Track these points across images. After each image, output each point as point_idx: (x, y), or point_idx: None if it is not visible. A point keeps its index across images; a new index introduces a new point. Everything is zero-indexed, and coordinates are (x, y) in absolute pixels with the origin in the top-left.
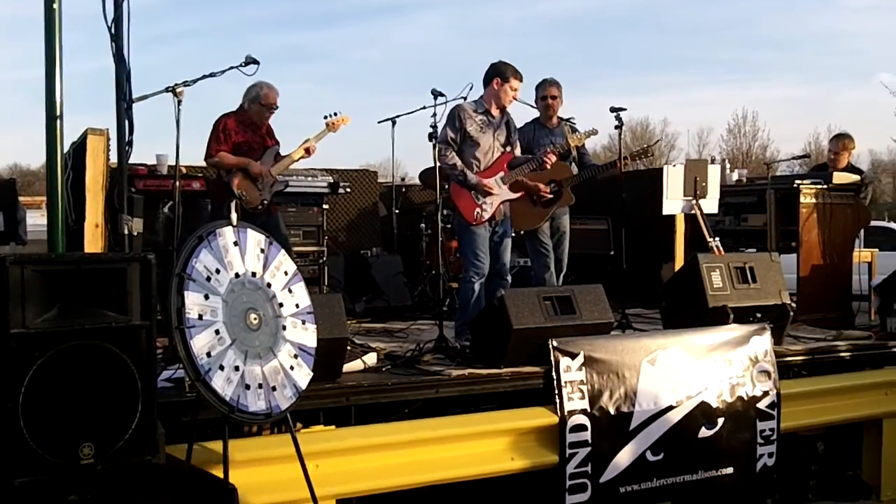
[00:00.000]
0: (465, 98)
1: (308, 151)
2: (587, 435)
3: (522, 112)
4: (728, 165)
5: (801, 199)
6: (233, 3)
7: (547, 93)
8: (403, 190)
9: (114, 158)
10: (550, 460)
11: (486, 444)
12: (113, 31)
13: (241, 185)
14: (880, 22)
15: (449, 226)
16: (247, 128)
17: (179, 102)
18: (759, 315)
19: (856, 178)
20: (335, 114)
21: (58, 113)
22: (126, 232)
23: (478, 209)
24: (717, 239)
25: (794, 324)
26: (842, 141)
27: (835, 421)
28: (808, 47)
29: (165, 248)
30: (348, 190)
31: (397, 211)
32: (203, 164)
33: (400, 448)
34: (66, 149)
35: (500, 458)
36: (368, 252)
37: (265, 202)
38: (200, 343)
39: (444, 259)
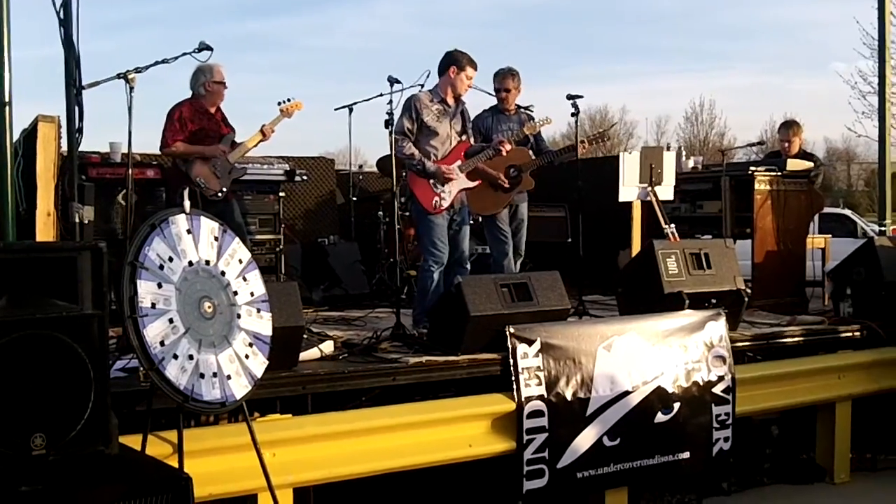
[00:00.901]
0: (422, 86)
1: (264, 134)
2: (544, 421)
3: (481, 99)
4: (684, 153)
5: (756, 186)
6: None
7: (501, 85)
8: (361, 178)
9: (65, 146)
10: (508, 446)
11: (443, 431)
12: (62, 16)
13: (201, 173)
14: (834, 11)
15: (407, 213)
16: (202, 115)
17: (131, 89)
18: (714, 301)
19: (809, 164)
20: (288, 99)
21: (7, 99)
22: (77, 220)
23: (436, 198)
24: (672, 225)
25: (748, 309)
26: (791, 128)
27: (789, 405)
28: (764, 36)
29: (120, 236)
30: (305, 178)
31: (355, 199)
32: (157, 152)
33: (357, 436)
34: (16, 136)
35: (457, 445)
36: (326, 240)
37: (224, 189)
38: (154, 332)
39: (401, 247)
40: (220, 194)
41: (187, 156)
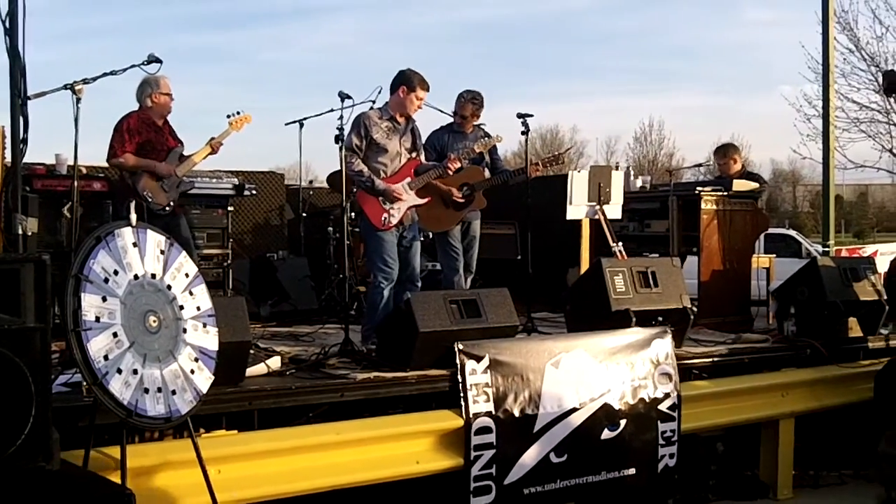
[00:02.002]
0: (373, 102)
1: (213, 149)
2: (492, 437)
3: (434, 117)
4: (632, 172)
5: (703, 206)
6: (140, 1)
7: (461, 111)
8: (311, 193)
9: (10, 157)
10: (455, 463)
11: (391, 448)
12: (7, 25)
13: (148, 186)
14: (781, 35)
15: (357, 229)
16: (149, 127)
17: (78, 101)
18: (660, 318)
19: (755, 185)
20: (237, 112)
21: None
22: (20, 232)
23: (385, 214)
24: (620, 244)
25: (694, 327)
26: (726, 150)
27: (734, 422)
28: (713, 58)
29: (66, 249)
30: (254, 192)
31: (304, 214)
32: (105, 163)
33: (304, 452)
34: None
35: (405, 462)
36: (274, 255)
37: (171, 203)
38: (97, 346)
39: (351, 262)
40: (167, 208)
41: (135, 168)
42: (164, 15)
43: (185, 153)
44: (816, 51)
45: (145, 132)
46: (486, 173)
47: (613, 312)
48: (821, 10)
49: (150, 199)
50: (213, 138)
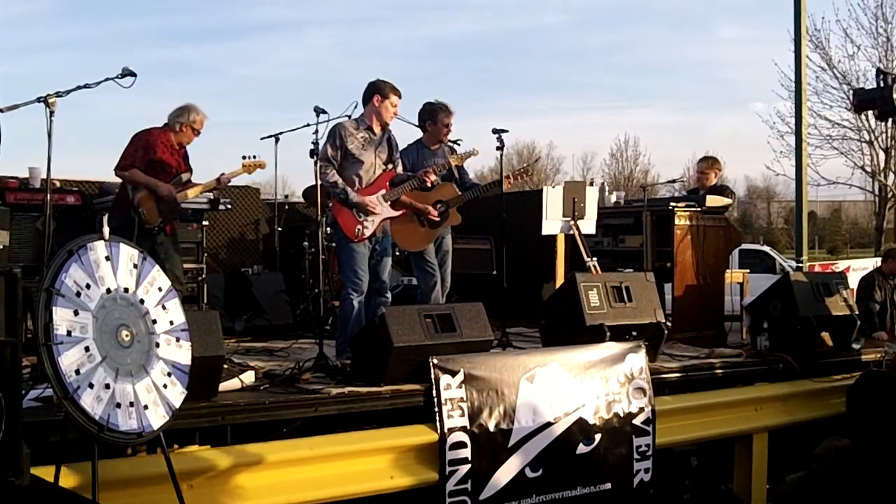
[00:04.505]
0: (349, 117)
1: (220, 182)
2: (467, 452)
3: (407, 131)
4: (607, 188)
5: (676, 221)
6: (114, 14)
7: (449, 122)
8: (286, 207)
9: None
10: (430, 478)
11: (365, 463)
12: None
13: (143, 203)
14: (752, 53)
15: (333, 244)
16: (168, 148)
17: (52, 113)
18: (634, 333)
19: (728, 200)
20: (254, 156)
21: None
22: None
23: (359, 226)
24: (595, 259)
25: (668, 342)
26: (708, 162)
27: (708, 436)
28: (686, 75)
29: (38, 262)
30: (229, 206)
31: (280, 228)
32: (78, 178)
33: (277, 467)
34: None
35: (379, 477)
36: (249, 270)
37: (162, 223)
38: (69, 360)
39: (326, 277)
40: (156, 227)
41: (138, 184)
42: (138, 28)
43: (192, 181)
44: (789, 69)
45: (162, 151)
46: (457, 190)
47: (588, 327)
48: (793, 29)
49: (142, 215)
50: (223, 174)
